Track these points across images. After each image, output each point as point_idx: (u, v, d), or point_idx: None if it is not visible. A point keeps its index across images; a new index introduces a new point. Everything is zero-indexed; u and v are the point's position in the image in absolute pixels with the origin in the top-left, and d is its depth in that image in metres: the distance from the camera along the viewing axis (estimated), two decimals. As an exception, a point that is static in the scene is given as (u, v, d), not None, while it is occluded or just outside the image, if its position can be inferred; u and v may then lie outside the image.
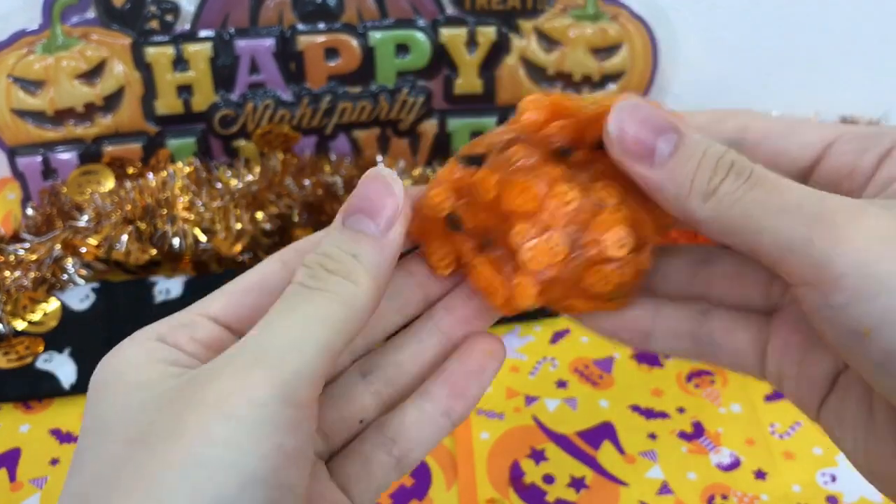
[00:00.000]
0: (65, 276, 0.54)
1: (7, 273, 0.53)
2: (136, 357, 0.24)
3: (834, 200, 0.23)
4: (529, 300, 0.26)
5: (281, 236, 0.57)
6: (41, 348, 0.51)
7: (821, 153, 0.26)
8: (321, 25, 0.59)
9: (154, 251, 0.56)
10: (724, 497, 0.44)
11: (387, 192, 0.25)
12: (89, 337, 0.51)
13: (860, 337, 0.22)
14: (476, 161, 0.26)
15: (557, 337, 0.54)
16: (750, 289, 0.28)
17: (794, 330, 0.27)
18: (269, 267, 0.27)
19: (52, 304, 0.53)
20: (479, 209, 0.26)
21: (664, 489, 0.45)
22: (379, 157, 0.61)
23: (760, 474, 0.45)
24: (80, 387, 0.49)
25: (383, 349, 0.29)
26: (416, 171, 0.60)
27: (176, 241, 0.55)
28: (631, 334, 0.29)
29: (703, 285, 0.29)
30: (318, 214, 0.57)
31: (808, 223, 0.22)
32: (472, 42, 0.60)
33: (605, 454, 0.46)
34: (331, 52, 0.59)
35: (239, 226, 0.55)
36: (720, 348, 0.28)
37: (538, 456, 0.46)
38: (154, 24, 0.57)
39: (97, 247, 0.55)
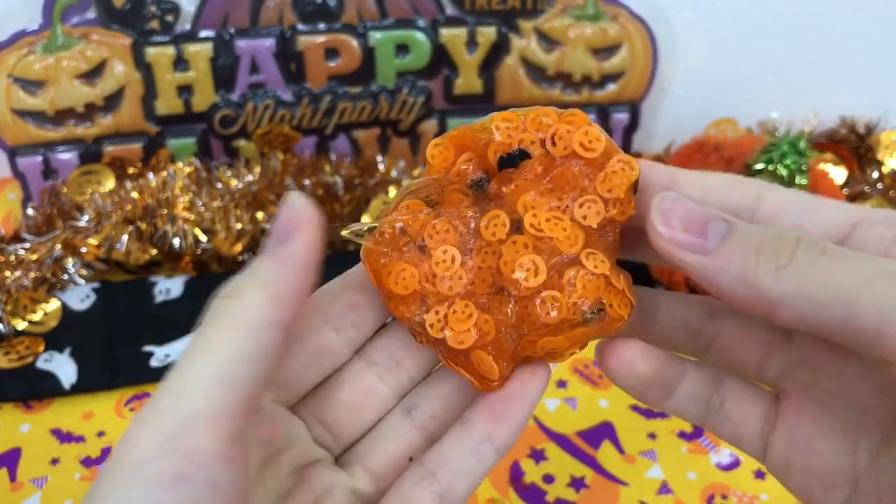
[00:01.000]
0: (65, 276, 0.54)
1: (7, 273, 0.53)
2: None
3: None
4: (495, 374, 0.25)
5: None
6: (41, 348, 0.51)
7: (847, 234, 0.24)
8: (321, 25, 0.59)
9: (154, 251, 0.56)
10: (724, 497, 0.44)
11: (286, 211, 0.24)
12: (89, 337, 0.51)
13: None
14: (371, 229, 0.26)
15: (557, 337, 0.54)
16: (749, 352, 0.27)
17: (806, 417, 0.25)
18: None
19: (53, 304, 0.53)
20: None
21: (664, 489, 0.45)
22: (379, 157, 0.61)
23: (760, 474, 0.45)
24: (81, 387, 0.49)
25: (427, 382, 0.28)
26: (416, 171, 0.61)
27: (176, 241, 0.55)
28: (657, 392, 0.27)
29: (709, 339, 0.28)
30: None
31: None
32: (472, 42, 0.60)
33: (605, 454, 0.46)
34: (331, 52, 0.59)
35: (239, 226, 0.56)
36: (727, 418, 0.27)
37: (538, 456, 0.46)
38: (154, 25, 0.57)
39: (97, 247, 0.55)
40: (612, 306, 0.24)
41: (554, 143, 0.25)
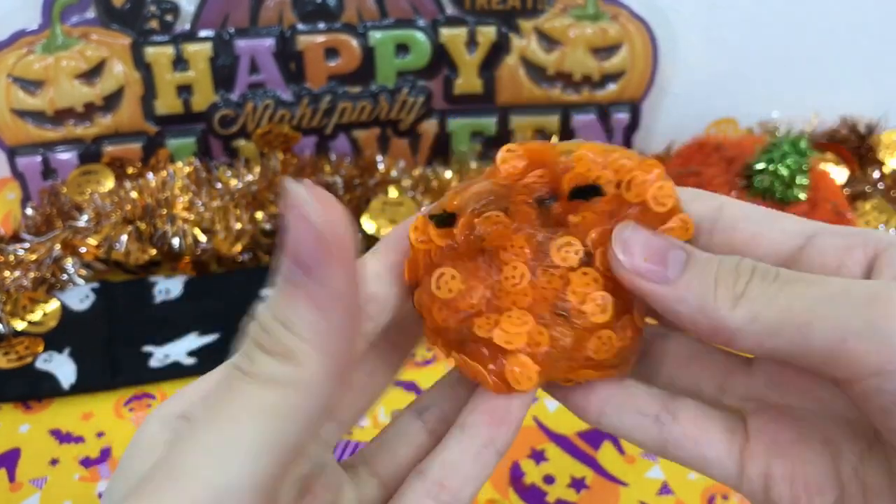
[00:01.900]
0: (65, 276, 0.54)
1: (7, 273, 0.53)
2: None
3: (880, 283, 0.21)
4: (529, 383, 0.25)
5: (281, 236, 0.57)
6: (41, 348, 0.51)
7: (803, 244, 0.24)
8: (321, 25, 0.59)
9: (154, 251, 0.56)
10: (725, 497, 0.44)
11: (304, 223, 0.19)
12: (89, 337, 0.51)
13: None
14: (448, 221, 0.25)
15: (557, 337, 0.54)
16: (704, 377, 0.27)
17: (785, 428, 0.25)
18: None
19: (52, 304, 0.53)
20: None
21: (664, 489, 0.44)
22: (379, 157, 0.61)
23: (761, 474, 0.45)
24: (80, 387, 0.49)
25: (440, 383, 0.28)
26: (416, 171, 0.60)
27: (176, 241, 0.55)
28: (593, 407, 0.27)
29: (659, 364, 0.28)
30: (318, 214, 0.57)
31: (864, 306, 0.21)
32: (472, 42, 0.60)
33: (606, 454, 0.46)
34: (331, 52, 0.59)
35: (239, 226, 0.55)
36: (684, 437, 0.26)
37: (538, 456, 0.46)
38: (154, 24, 0.57)
39: (97, 247, 0.55)
40: (638, 353, 0.26)
41: (630, 189, 0.25)
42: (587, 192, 0.25)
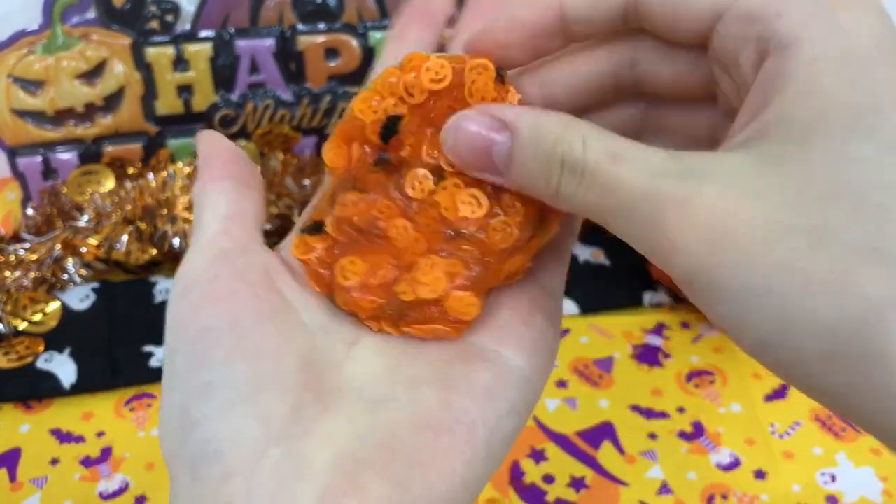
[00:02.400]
0: (65, 276, 0.54)
1: (7, 273, 0.53)
2: None
3: (667, 188, 0.21)
4: (475, 308, 0.26)
5: (281, 236, 0.57)
6: (41, 348, 0.51)
7: (710, 25, 0.23)
8: (321, 25, 0.59)
9: (154, 251, 0.56)
10: (724, 497, 0.44)
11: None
12: (90, 337, 0.51)
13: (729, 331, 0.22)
14: (319, 228, 0.27)
15: (557, 337, 0.54)
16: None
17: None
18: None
19: (53, 304, 0.53)
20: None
21: (664, 489, 0.45)
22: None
23: (760, 474, 0.45)
24: (80, 387, 0.49)
25: None
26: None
27: (176, 241, 0.55)
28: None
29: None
30: (318, 214, 0.57)
31: (644, 229, 0.21)
32: (472, 42, 0.60)
33: (605, 454, 0.46)
34: (331, 52, 0.59)
35: (239, 226, 0.55)
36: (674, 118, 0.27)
37: (538, 456, 0.46)
38: (154, 25, 0.57)
39: (97, 247, 0.55)
40: (551, 209, 0.26)
41: (412, 95, 0.26)
42: (392, 126, 0.26)
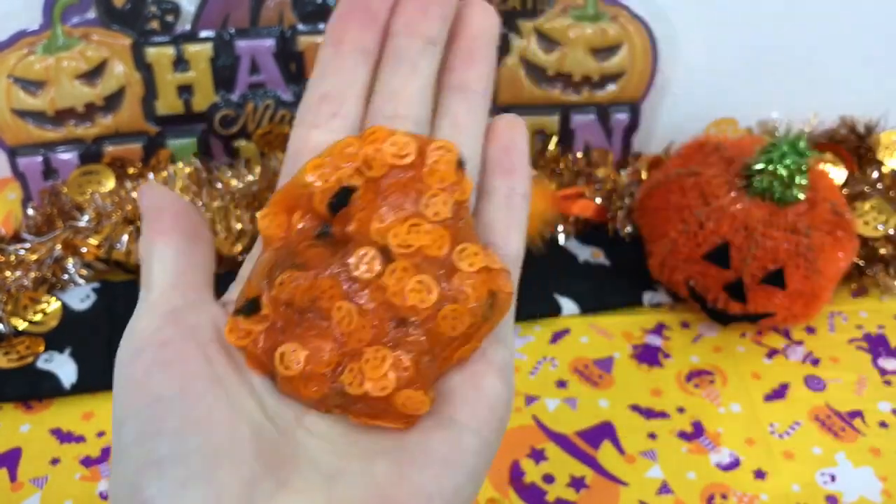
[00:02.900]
0: (65, 276, 0.54)
1: (8, 273, 0.53)
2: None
3: None
4: (424, 404, 0.24)
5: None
6: (42, 348, 0.51)
7: None
8: (321, 25, 0.59)
9: (154, 251, 0.55)
10: (724, 497, 0.44)
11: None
12: (90, 337, 0.51)
13: None
14: (254, 307, 0.25)
15: (557, 337, 0.54)
16: None
17: None
18: None
19: (53, 304, 0.53)
20: None
21: (664, 489, 0.45)
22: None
23: (760, 474, 0.45)
24: (81, 387, 0.49)
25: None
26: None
27: (176, 241, 0.55)
28: None
29: None
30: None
31: None
32: (472, 42, 0.60)
33: (605, 454, 0.46)
34: (331, 52, 0.59)
35: (239, 226, 0.56)
36: None
37: (538, 455, 0.46)
38: (154, 25, 0.57)
39: (98, 247, 0.55)
40: (501, 288, 0.25)
41: (371, 168, 0.25)
42: (344, 197, 0.25)
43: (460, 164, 0.25)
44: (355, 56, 0.27)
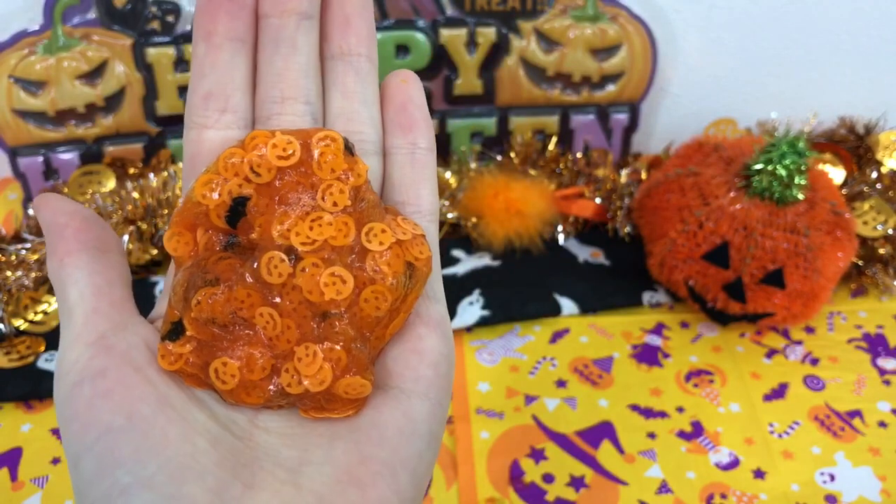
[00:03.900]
0: (66, 276, 0.54)
1: (8, 273, 0.53)
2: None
3: None
4: (366, 387, 0.24)
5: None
6: (42, 348, 0.51)
7: None
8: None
9: (155, 251, 0.56)
10: (724, 496, 0.44)
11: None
12: (90, 337, 0.51)
13: None
14: (179, 329, 0.25)
15: (557, 337, 0.54)
16: None
17: None
18: None
19: (54, 304, 0.53)
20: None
21: (663, 488, 0.45)
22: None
23: (759, 473, 0.45)
24: (82, 386, 0.49)
25: None
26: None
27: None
28: None
29: None
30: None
31: None
32: (471, 43, 0.60)
33: (605, 453, 0.46)
34: (331, 52, 0.59)
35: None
36: None
37: (538, 455, 0.46)
38: (155, 25, 0.57)
39: (98, 247, 0.55)
40: (417, 255, 0.25)
41: (259, 174, 0.24)
42: (239, 208, 0.25)
43: (349, 150, 0.25)
44: (230, 47, 0.26)
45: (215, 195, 0.24)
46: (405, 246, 0.25)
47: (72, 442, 0.23)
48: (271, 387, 0.25)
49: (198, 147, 0.26)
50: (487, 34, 0.60)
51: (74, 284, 0.25)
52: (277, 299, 0.24)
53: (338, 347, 0.24)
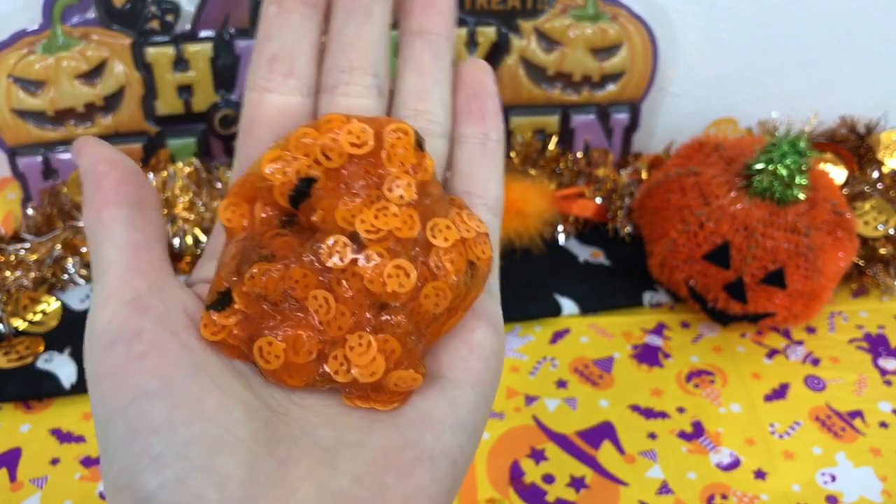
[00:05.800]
0: (65, 276, 0.54)
1: (7, 273, 0.53)
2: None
3: None
4: (417, 380, 0.24)
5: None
6: (41, 348, 0.51)
7: None
8: (321, 25, 0.59)
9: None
10: (724, 497, 0.44)
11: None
12: (90, 337, 0.51)
13: None
14: (226, 300, 0.24)
15: (557, 337, 0.54)
16: None
17: None
18: None
19: (53, 304, 0.53)
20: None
21: (664, 489, 0.45)
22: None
23: (760, 474, 0.45)
24: (81, 387, 0.49)
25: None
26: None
27: (176, 241, 0.55)
28: None
29: None
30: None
31: None
32: (471, 42, 0.60)
33: (605, 454, 0.46)
34: (331, 52, 0.59)
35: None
36: None
37: (538, 455, 0.46)
38: (154, 25, 0.57)
39: (97, 247, 0.55)
40: (479, 255, 0.25)
41: (329, 158, 0.24)
42: (305, 190, 0.24)
43: (419, 145, 0.25)
44: (301, 10, 0.26)
45: (283, 173, 0.24)
46: (469, 244, 0.25)
47: (102, 403, 0.22)
48: (316, 372, 0.24)
49: (257, 111, 0.26)
50: (487, 33, 0.60)
51: (111, 239, 0.24)
52: (334, 285, 0.24)
53: (393, 341, 0.24)
